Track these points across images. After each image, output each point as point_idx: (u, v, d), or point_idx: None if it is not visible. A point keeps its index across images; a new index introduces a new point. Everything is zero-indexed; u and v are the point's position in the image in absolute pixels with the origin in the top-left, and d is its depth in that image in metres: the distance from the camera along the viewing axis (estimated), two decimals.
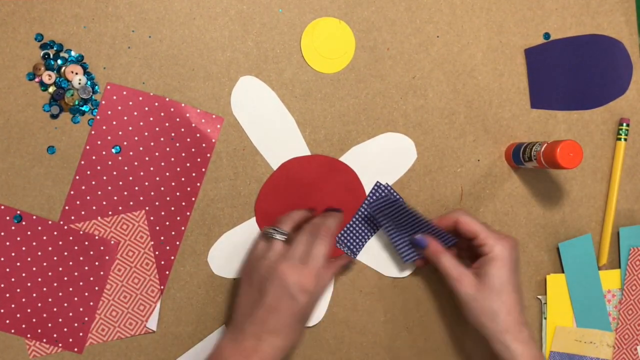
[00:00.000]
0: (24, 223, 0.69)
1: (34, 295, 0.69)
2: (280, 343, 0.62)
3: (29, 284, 0.69)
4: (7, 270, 0.69)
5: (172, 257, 0.71)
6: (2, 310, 0.69)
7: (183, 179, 0.71)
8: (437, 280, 0.76)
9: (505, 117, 0.77)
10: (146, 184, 0.70)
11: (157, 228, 0.71)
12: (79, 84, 0.69)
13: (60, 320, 0.70)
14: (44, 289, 0.69)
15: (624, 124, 0.79)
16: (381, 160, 0.75)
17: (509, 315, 0.65)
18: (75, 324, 0.70)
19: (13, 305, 0.69)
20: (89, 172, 0.70)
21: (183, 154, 0.71)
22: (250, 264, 0.66)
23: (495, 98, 0.77)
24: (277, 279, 0.62)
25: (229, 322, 0.66)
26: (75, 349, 0.70)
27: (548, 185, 0.78)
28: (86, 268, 0.70)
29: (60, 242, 0.69)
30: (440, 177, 0.76)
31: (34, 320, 0.69)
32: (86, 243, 0.70)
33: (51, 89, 0.69)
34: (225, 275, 0.73)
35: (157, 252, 0.71)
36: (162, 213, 0.71)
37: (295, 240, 0.65)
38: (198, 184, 0.71)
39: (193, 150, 0.71)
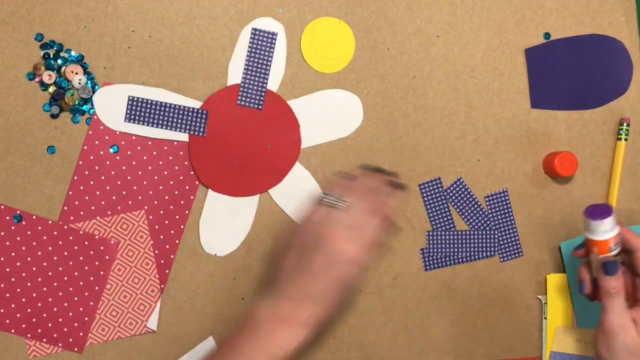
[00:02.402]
0: (24, 223, 0.69)
1: (34, 295, 0.69)
2: (318, 312, 0.60)
3: (29, 284, 0.69)
4: (7, 270, 0.69)
5: (172, 256, 0.71)
6: (2, 310, 0.69)
7: (181, 178, 0.71)
8: (437, 280, 0.76)
9: (505, 117, 0.77)
10: (144, 183, 0.70)
11: (157, 227, 0.71)
12: (79, 83, 0.69)
13: (60, 320, 0.70)
14: (44, 289, 0.69)
15: (624, 124, 0.79)
16: (328, 115, 0.75)
17: None
18: (75, 324, 0.70)
19: (13, 305, 0.69)
20: (87, 172, 0.70)
21: (181, 153, 0.71)
22: (303, 226, 0.63)
23: (495, 98, 0.77)
24: (329, 246, 0.60)
25: (267, 283, 0.64)
26: (75, 349, 0.70)
27: (548, 185, 0.78)
28: (86, 268, 0.70)
29: (60, 242, 0.69)
30: (440, 177, 0.76)
31: (34, 320, 0.69)
32: (86, 243, 0.70)
33: (51, 89, 0.69)
34: (214, 251, 0.73)
35: (156, 251, 0.71)
36: (161, 212, 0.71)
37: (353, 209, 0.62)
38: (196, 182, 0.72)
39: None
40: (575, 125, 0.79)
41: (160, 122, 0.71)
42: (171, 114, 0.71)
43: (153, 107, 0.70)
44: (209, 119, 0.71)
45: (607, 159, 0.80)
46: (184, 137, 0.71)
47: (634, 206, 0.80)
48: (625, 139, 0.79)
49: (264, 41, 0.72)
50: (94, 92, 0.70)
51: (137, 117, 0.70)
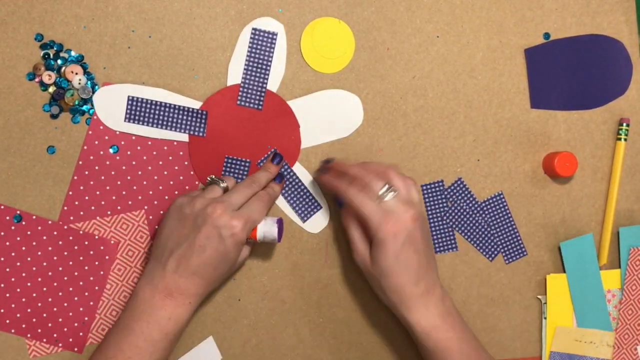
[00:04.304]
0: (24, 223, 0.69)
1: (34, 295, 0.69)
2: (200, 283, 0.63)
3: (29, 284, 0.69)
4: (7, 270, 0.69)
5: None
6: (2, 310, 0.69)
7: (181, 178, 0.71)
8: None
9: (505, 117, 0.77)
10: (144, 183, 0.70)
11: (157, 227, 0.71)
12: (79, 84, 0.69)
13: (60, 320, 0.70)
14: (44, 289, 0.69)
15: (624, 124, 0.79)
16: (327, 115, 0.74)
17: (395, 293, 0.66)
18: (75, 324, 0.70)
19: (13, 305, 0.69)
20: (87, 172, 0.70)
21: (181, 153, 0.71)
22: (184, 201, 0.66)
23: (495, 98, 0.77)
24: (209, 219, 0.63)
25: (151, 259, 0.66)
26: (76, 349, 0.70)
27: (548, 185, 0.78)
28: (86, 268, 0.70)
29: (60, 242, 0.69)
30: (440, 177, 0.76)
31: (34, 320, 0.69)
32: (86, 243, 0.70)
33: (51, 89, 0.69)
34: None
35: None
36: (161, 212, 0.71)
37: (234, 189, 0.67)
38: (196, 182, 0.72)
39: None
40: (575, 125, 0.79)
41: (160, 122, 0.71)
42: (171, 114, 0.71)
43: (153, 107, 0.70)
44: (209, 119, 0.71)
45: (607, 159, 0.80)
46: (184, 137, 0.71)
47: (634, 206, 0.80)
48: (625, 139, 0.79)
49: (264, 41, 0.72)
50: (93, 92, 0.70)
51: (137, 117, 0.70)
